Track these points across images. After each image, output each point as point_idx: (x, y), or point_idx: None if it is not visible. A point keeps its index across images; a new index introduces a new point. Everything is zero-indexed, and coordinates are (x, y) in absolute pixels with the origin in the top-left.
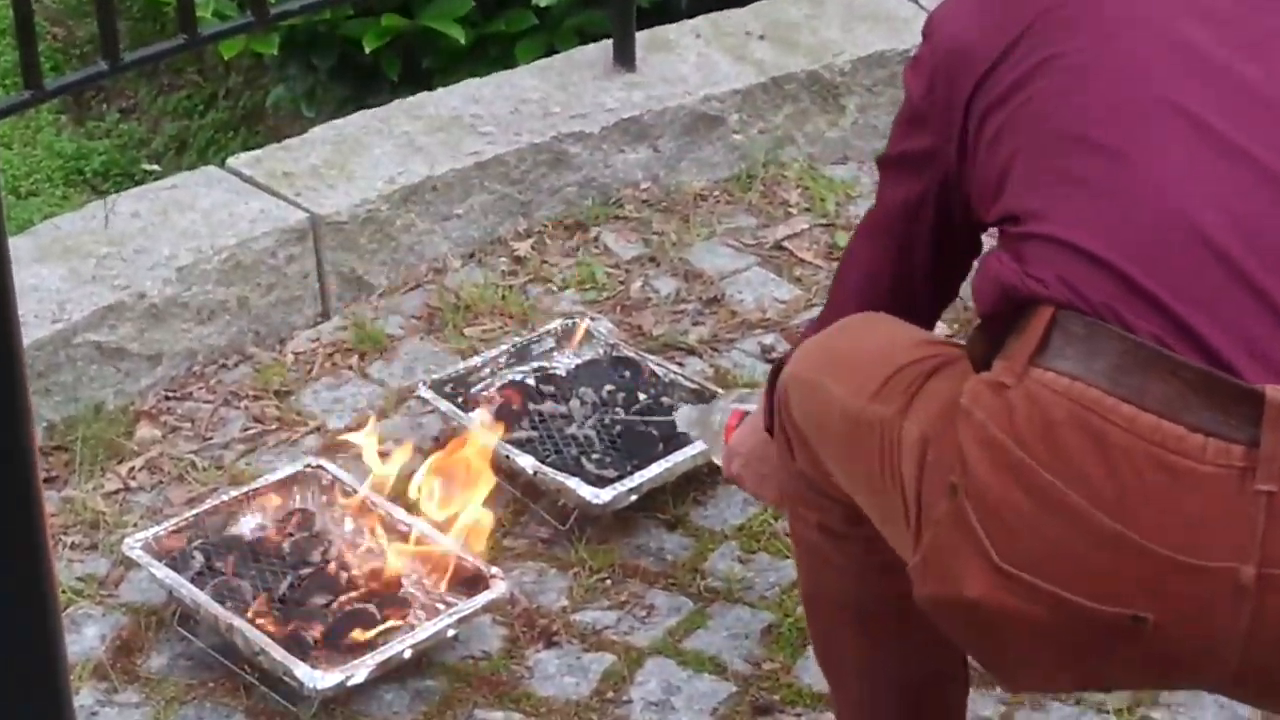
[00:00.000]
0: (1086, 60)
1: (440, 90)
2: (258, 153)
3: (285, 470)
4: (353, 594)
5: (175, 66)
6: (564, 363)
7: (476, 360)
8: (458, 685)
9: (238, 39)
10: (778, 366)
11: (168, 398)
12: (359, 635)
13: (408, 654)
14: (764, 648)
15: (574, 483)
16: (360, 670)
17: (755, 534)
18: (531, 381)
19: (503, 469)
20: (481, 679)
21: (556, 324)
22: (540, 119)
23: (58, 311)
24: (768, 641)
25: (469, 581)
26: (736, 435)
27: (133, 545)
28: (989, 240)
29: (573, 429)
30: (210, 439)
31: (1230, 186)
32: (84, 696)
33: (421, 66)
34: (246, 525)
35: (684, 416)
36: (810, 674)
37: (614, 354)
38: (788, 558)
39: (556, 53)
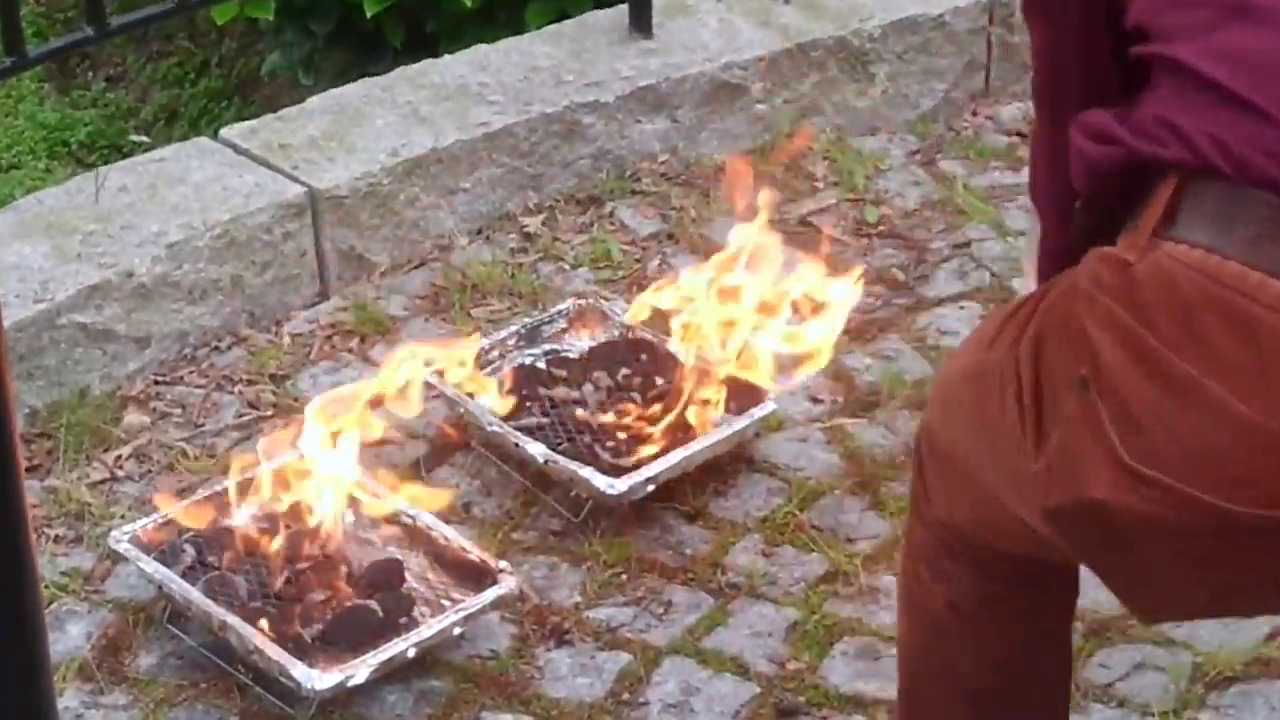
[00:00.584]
0: None
1: (446, 57)
2: (252, 123)
3: (281, 459)
4: (353, 589)
5: (165, 32)
6: (577, 345)
7: (484, 342)
8: (464, 686)
9: (231, 3)
10: None
11: (157, 382)
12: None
13: (411, 653)
14: (788, 646)
15: (587, 472)
16: (361, 670)
17: (779, 526)
18: (542, 365)
19: (512, 457)
20: (489, 679)
21: (569, 304)
22: (552, 87)
23: (40, 291)
24: (792, 640)
25: (476, 576)
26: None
27: (120, 538)
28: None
29: (586, 415)
30: (202, 426)
31: None
32: (68, 698)
33: (426, 31)
34: (240, 517)
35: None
36: (837, 674)
37: (630, 336)
38: (813, 550)
39: (569, 17)
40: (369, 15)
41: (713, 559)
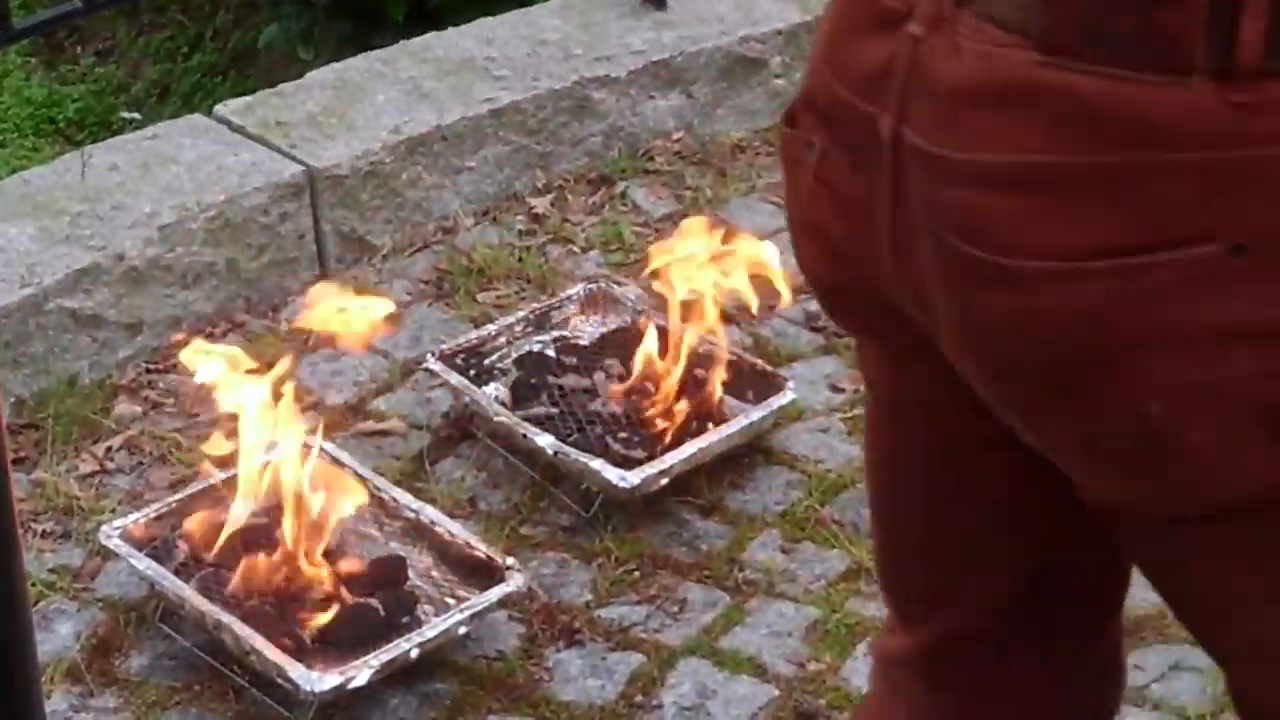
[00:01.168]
0: None
1: (450, 30)
2: (248, 99)
3: (279, 451)
4: (354, 587)
5: (157, 4)
6: (587, 331)
7: (490, 329)
8: (469, 688)
9: None
10: None
11: (149, 370)
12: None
13: (414, 654)
14: (808, 646)
15: (598, 464)
16: (362, 672)
17: (799, 521)
18: (551, 352)
19: (520, 449)
20: (496, 681)
21: (579, 288)
22: (561, 62)
23: (27, 275)
24: (812, 640)
25: (482, 573)
26: None
27: (110, 533)
28: None
29: (597, 404)
30: (196, 416)
31: None
32: (56, 700)
33: (429, 4)
34: (236, 511)
35: None
36: (859, 676)
37: (642, 321)
38: (834, 546)
39: None
40: None
41: (729, 555)
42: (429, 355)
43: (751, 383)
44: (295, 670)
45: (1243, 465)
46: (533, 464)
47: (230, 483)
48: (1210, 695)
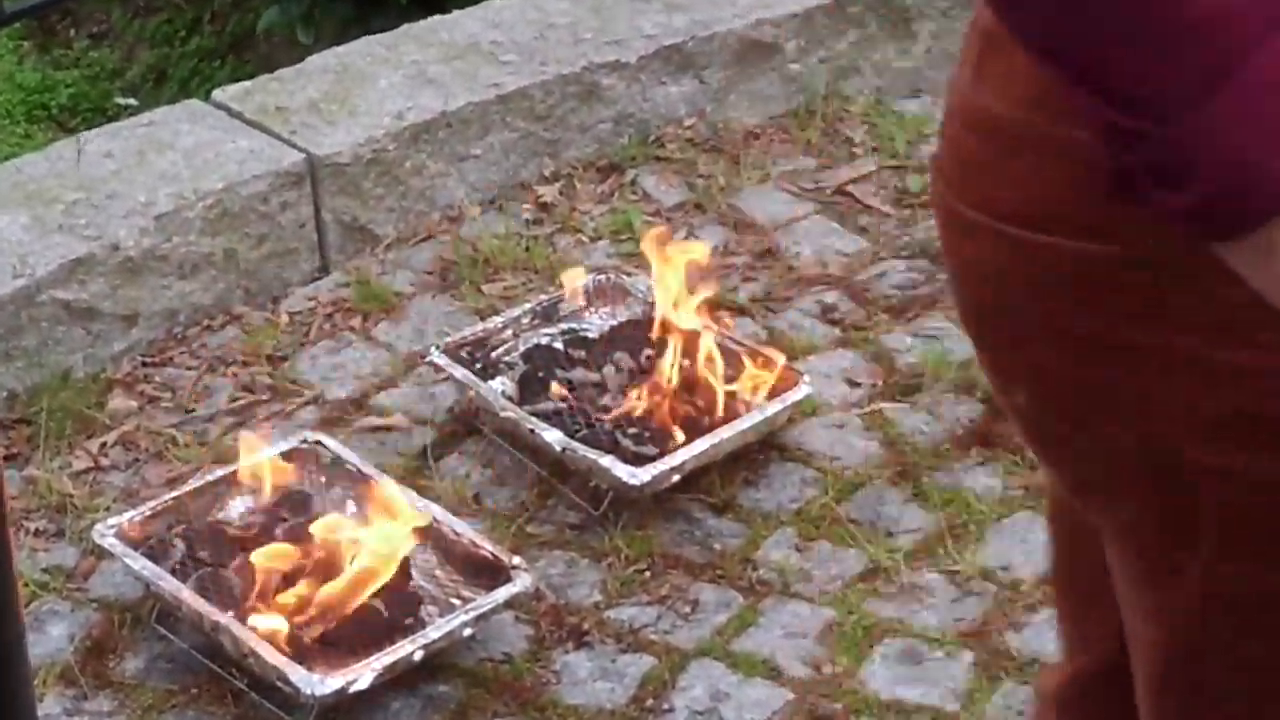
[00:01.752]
0: None
1: (455, 13)
2: (247, 84)
3: (279, 446)
4: (355, 588)
5: None
6: (596, 324)
7: (496, 321)
8: (474, 691)
9: None
10: None
11: (145, 364)
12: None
13: (418, 656)
14: (824, 649)
15: (608, 461)
16: (364, 674)
17: (814, 519)
18: (559, 345)
19: (527, 445)
20: (502, 684)
21: (588, 280)
22: (569, 46)
23: (19, 265)
24: (829, 642)
25: (488, 573)
26: None
27: (105, 532)
28: None
29: (606, 399)
30: (193, 411)
31: None
32: (49, 704)
33: None
34: (234, 509)
35: None
36: (877, 679)
37: (653, 314)
38: (851, 545)
39: None
40: None
41: (743, 554)
42: (433, 348)
43: (766, 377)
44: (295, 673)
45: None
46: (540, 460)
47: (229, 480)
48: None
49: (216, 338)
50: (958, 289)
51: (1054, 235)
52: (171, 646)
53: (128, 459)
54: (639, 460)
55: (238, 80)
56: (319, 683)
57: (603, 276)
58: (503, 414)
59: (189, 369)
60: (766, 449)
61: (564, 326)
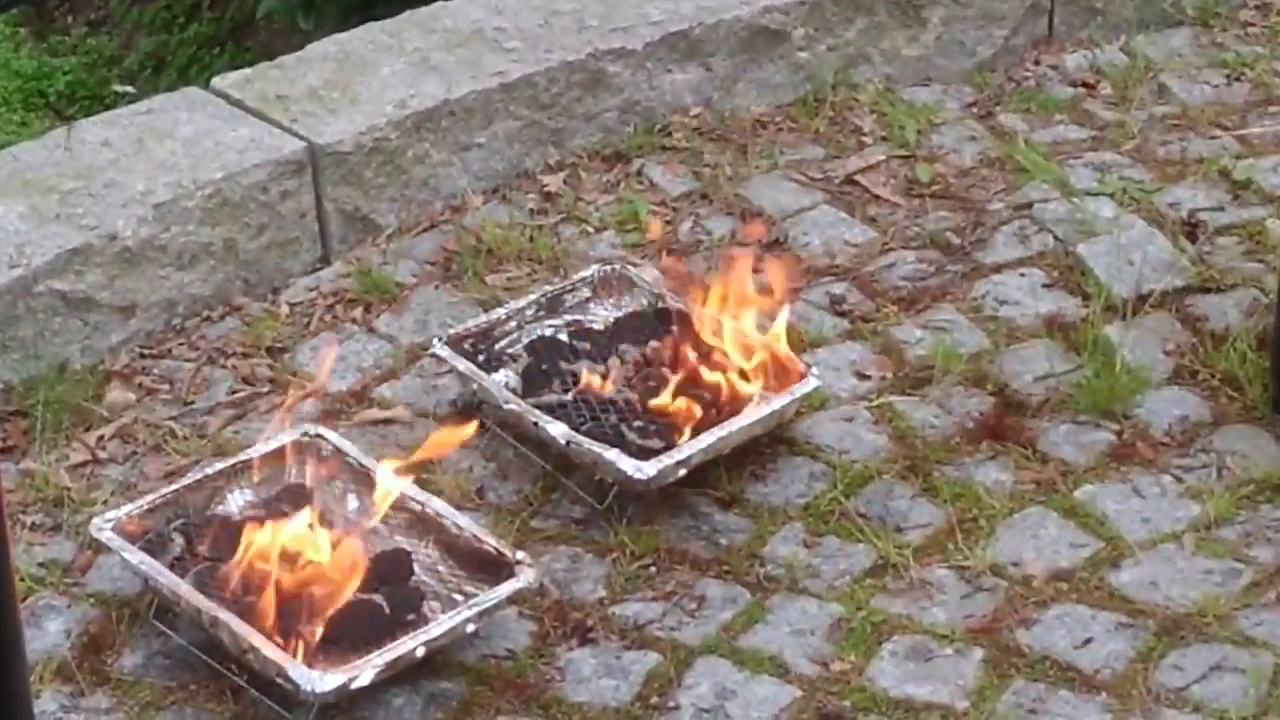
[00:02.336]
0: None
1: None
2: (247, 72)
3: (279, 439)
4: (357, 583)
5: None
6: (601, 315)
7: (500, 312)
8: (477, 688)
9: None
10: None
11: (143, 355)
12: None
13: (420, 652)
14: (832, 645)
15: (613, 454)
16: (365, 671)
17: (823, 514)
18: (564, 337)
19: (531, 438)
20: (505, 681)
21: (593, 270)
22: (574, 33)
23: (16, 255)
24: (837, 638)
25: (491, 568)
26: None
27: (102, 526)
28: None
29: (611, 392)
30: (192, 403)
31: None
32: (46, 701)
33: None
34: (234, 503)
35: None
36: (886, 676)
37: (659, 305)
38: (859, 540)
39: None
40: None
41: (750, 550)
42: (436, 340)
43: (773, 369)
44: (295, 669)
45: None
46: (544, 454)
47: (228, 473)
48: (1253, 696)
49: (216, 329)
50: None
51: None
52: (170, 642)
53: (126, 452)
54: (644, 454)
55: (237, 67)
56: (319, 679)
57: (608, 267)
58: (506, 407)
59: (188, 361)
60: (774, 442)
61: (568, 318)
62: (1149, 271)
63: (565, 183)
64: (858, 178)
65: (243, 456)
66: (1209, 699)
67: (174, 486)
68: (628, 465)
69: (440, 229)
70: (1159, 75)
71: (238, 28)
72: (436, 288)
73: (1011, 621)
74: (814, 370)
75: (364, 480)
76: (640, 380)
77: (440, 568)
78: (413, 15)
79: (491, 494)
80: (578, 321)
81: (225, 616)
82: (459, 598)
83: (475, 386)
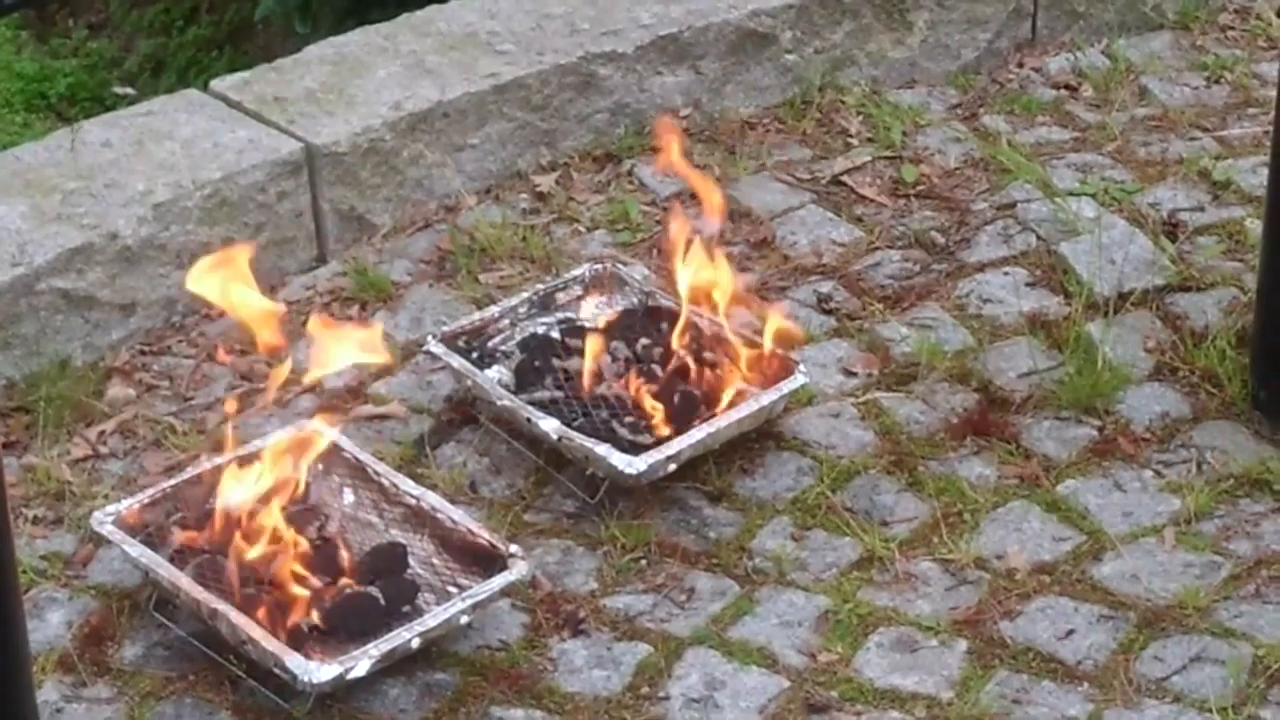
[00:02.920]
0: None
1: (453, 3)
2: (245, 74)
3: (277, 435)
4: (353, 575)
5: None
6: (593, 313)
7: (493, 310)
8: (471, 679)
9: None
10: None
11: (143, 352)
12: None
13: (415, 643)
14: (820, 637)
15: (604, 450)
16: (361, 662)
17: (810, 508)
18: (556, 334)
19: (523, 434)
20: (499, 672)
21: (584, 269)
22: (566, 36)
23: (18, 254)
24: (824, 630)
25: (484, 561)
26: None
27: (103, 519)
28: None
29: (603, 388)
30: (191, 399)
31: None
32: (48, 691)
33: None
34: (232, 497)
35: None
36: (872, 667)
37: (649, 303)
38: (846, 534)
39: None
40: None
41: (738, 543)
42: (430, 337)
43: (761, 366)
44: (293, 660)
45: None
46: (536, 449)
47: (227, 467)
48: (1232, 687)
49: (214, 327)
50: None
51: None
52: (169, 634)
53: (126, 447)
54: (635, 449)
55: (235, 70)
56: (316, 670)
57: (599, 266)
58: (499, 403)
59: (187, 358)
60: (762, 438)
61: (560, 316)
62: (1130, 270)
63: (557, 183)
64: (844, 178)
65: (241, 451)
66: (1189, 689)
67: (173, 481)
68: (619, 460)
69: (434, 228)
70: (1140, 78)
71: (236, 31)
72: (431, 286)
73: (995, 613)
74: (801, 367)
75: (360, 474)
76: (631, 377)
77: (435, 561)
78: (407, 19)
79: (485, 488)
80: (569, 319)
81: (224, 608)
82: (453, 590)
83: (469, 383)
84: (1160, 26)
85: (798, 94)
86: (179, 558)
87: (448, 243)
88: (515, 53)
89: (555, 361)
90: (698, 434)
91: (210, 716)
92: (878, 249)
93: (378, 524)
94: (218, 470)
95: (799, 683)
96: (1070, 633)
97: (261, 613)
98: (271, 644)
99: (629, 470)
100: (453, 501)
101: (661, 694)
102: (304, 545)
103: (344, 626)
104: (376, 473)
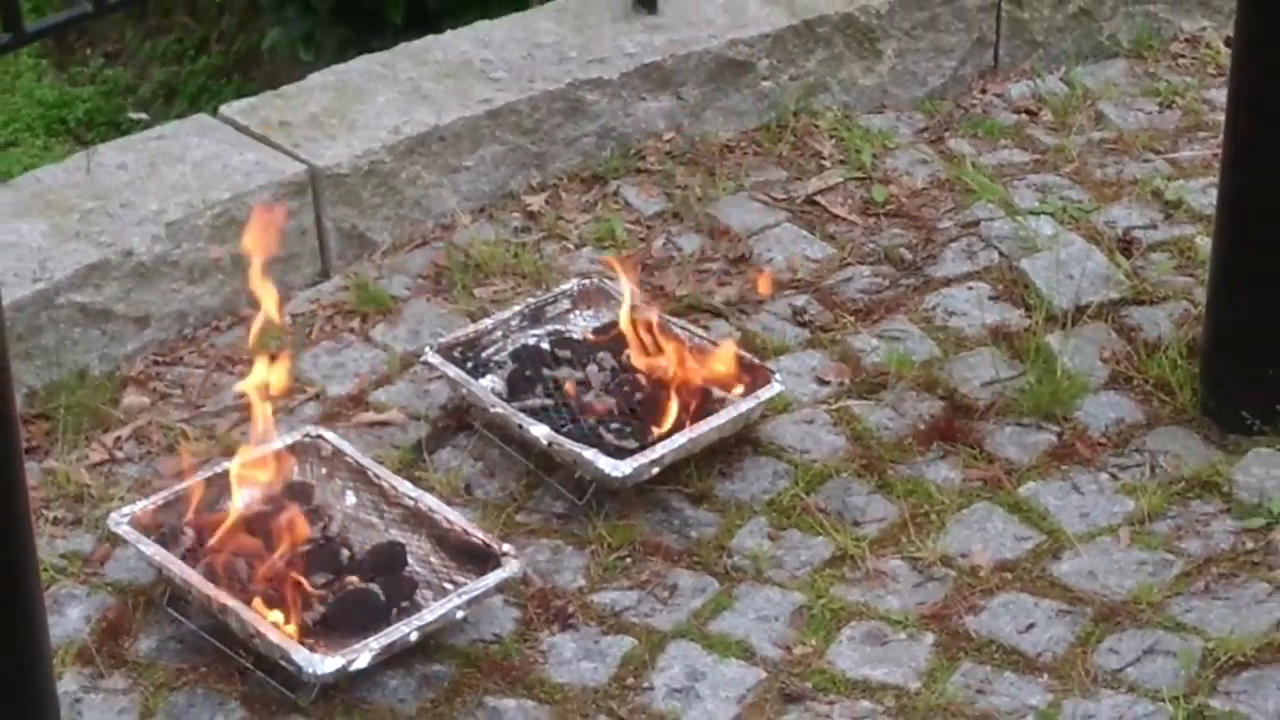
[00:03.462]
0: None
1: (448, 33)
2: (252, 100)
3: (282, 440)
4: (355, 573)
5: (164, 8)
6: (581, 326)
7: (487, 323)
8: (467, 670)
9: None
10: None
11: (156, 363)
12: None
13: (414, 637)
14: (795, 631)
15: (591, 454)
16: (363, 654)
17: (785, 509)
18: (546, 346)
19: (515, 439)
20: (492, 664)
21: (573, 284)
22: (555, 64)
23: (39, 270)
24: (799, 624)
25: (479, 559)
26: None
27: (119, 520)
28: None
29: (590, 396)
30: (202, 407)
31: None
32: (68, 682)
33: (427, 7)
34: (241, 499)
35: None
36: (844, 659)
37: (634, 316)
38: (819, 533)
39: None
40: None
41: (718, 542)
42: (427, 348)
43: (740, 375)
44: (298, 653)
45: None
46: (528, 454)
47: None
48: (1183, 678)
49: (224, 338)
50: None
51: None
52: (182, 628)
53: (141, 452)
54: (621, 453)
55: (243, 96)
56: (320, 662)
57: (587, 281)
58: (493, 410)
59: (198, 368)
60: (741, 443)
61: (550, 328)
62: (1087, 285)
63: (547, 203)
64: (818, 198)
65: (250, 456)
66: (1143, 680)
67: (186, 483)
68: (605, 464)
69: (431, 245)
70: (1096, 103)
71: (244, 60)
72: (428, 300)
73: (960, 608)
74: (777, 376)
75: (361, 477)
76: (617, 386)
77: (432, 559)
78: (405, 48)
79: (479, 491)
80: (559, 331)
81: (233, 604)
82: (449, 586)
83: (464, 391)
84: (1116, 55)
85: (774, 119)
86: (191, 556)
87: (444, 259)
88: (507, 80)
89: (545, 371)
90: (680, 439)
91: (220, 706)
92: (849, 265)
93: (378, 524)
94: (227, 474)
95: (775, 674)
96: (1031, 626)
97: (269, 608)
98: (278, 637)
99: (615, 473)
100: (449, 503)
101: (645, 684)
102: (308, 544)
103: (346, 621)
104: (376, 476)
